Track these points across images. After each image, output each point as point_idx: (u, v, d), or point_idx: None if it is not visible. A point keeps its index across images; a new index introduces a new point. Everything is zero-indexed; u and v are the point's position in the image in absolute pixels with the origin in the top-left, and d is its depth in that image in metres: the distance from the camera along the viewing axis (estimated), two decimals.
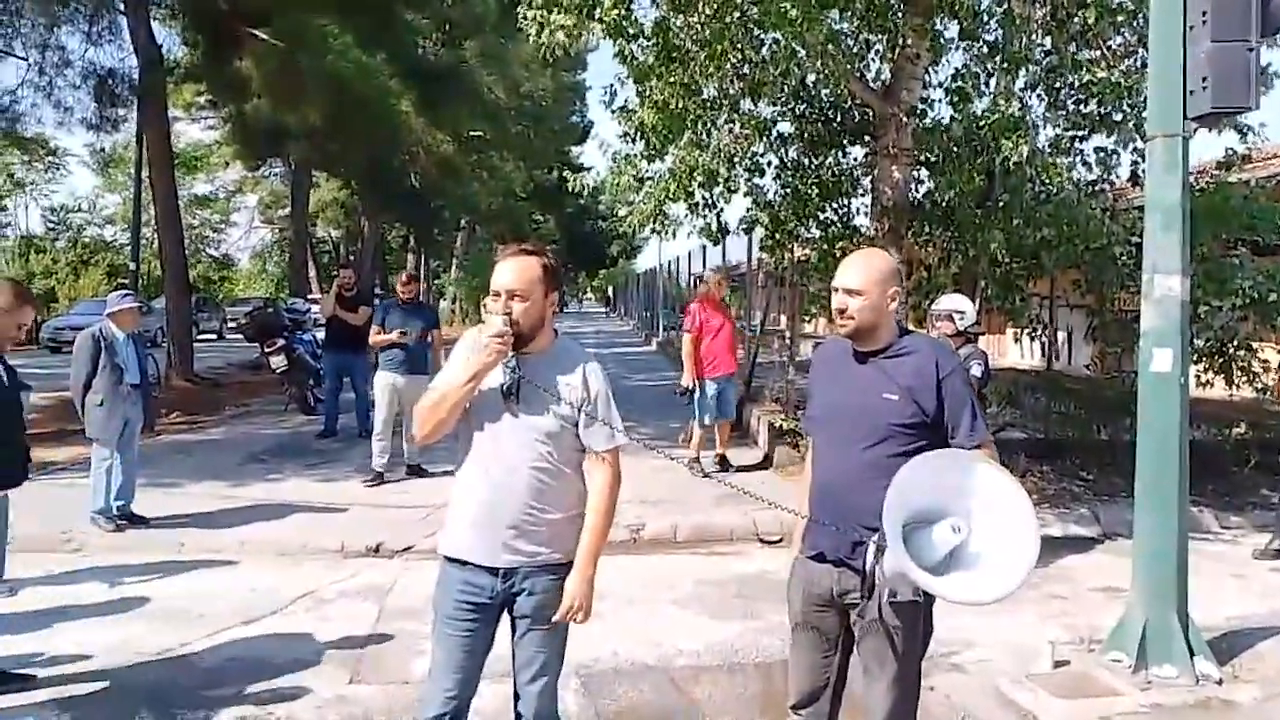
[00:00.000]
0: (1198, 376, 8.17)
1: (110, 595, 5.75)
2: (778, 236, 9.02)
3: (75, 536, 6.81)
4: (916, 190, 8.52)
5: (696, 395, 8.65)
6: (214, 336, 30.85)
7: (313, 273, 37.76)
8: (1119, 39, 7.75)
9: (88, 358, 6.95)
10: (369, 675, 4.60)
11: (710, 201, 8.30)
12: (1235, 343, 8.18)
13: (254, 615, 5.40)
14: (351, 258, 36.20)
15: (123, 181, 39.14)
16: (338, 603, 5.66)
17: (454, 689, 2.82)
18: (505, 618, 2.91)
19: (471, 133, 25.98)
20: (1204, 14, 4.26)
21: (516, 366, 2.76)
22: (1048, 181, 7.84)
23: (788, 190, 8.88)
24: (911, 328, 3.46)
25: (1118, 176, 8.54)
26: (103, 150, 32.36)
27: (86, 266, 38.65)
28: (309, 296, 29.37)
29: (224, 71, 16.96)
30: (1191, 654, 4.40)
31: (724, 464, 8.80)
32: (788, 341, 10.69)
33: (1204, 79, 4.28)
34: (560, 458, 2.81)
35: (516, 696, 2.93)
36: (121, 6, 15.43)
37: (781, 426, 9.18)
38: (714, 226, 8.53)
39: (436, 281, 44.54)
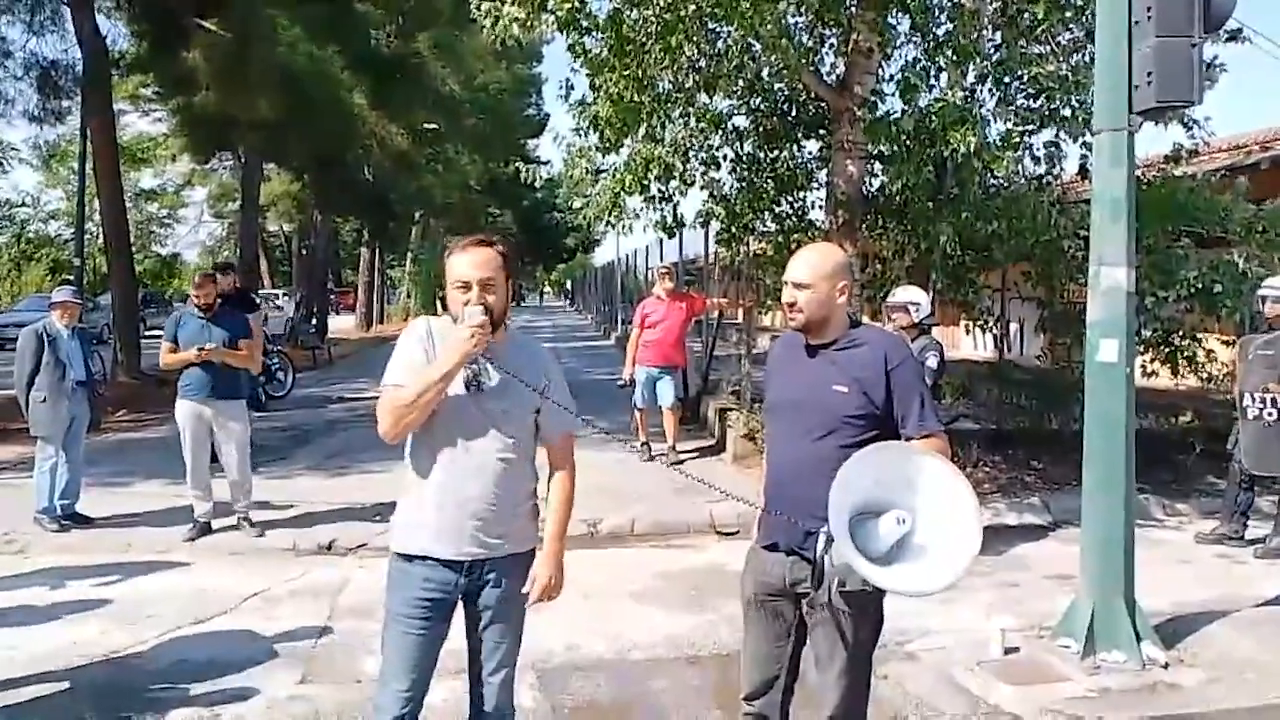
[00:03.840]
0: (1144, 366, 8.31)
1: (55, 597, 5.62)
2: (733, 230, 9.04)
3: (19, 537, 6.68)
4: (870, 184, 8.59)
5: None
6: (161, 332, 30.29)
7: (265, 267, 37.18)
8: (1067, 34, 7.83)
9: (31, 354, 6.82)
10: (320, 674, 4.54)
11: (666, 195, 8.30)
12: (1181, 333, 8.34)
13: (204, 615, 5.32)
14: (304, 252, 35.67)
15: (65, 176, 38.18)
16: (288, 602, 5.59)
17: (410, 689, 2.78)
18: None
19: (426, 125, 25.74)
20: (1149, 10, 4.33)
21: (478, 356, 2.73)
22: (997, 175, 7.93)
23: (743, 184, 8.89)
24: (866, 320, 3.49)
25: (1063, 170, 8.66)
26: (45, 144, 31.54)
27: (30, 262, 37.78)
28: (260, 291, 28.93)
29: (171, 63, 16.62)
30: (1138, 639, 4.48)
31: (675, 457, 8.88)
32: (745, 334, 10.71)
33: (1149, 74, 4.34)
34: (520, 446, 2.82)
35: (474, 691, 2.90)
36: None
37: (734, 415, 9.21)
38: (669, 220, 8.52)
39: (391, 274, 44.15)
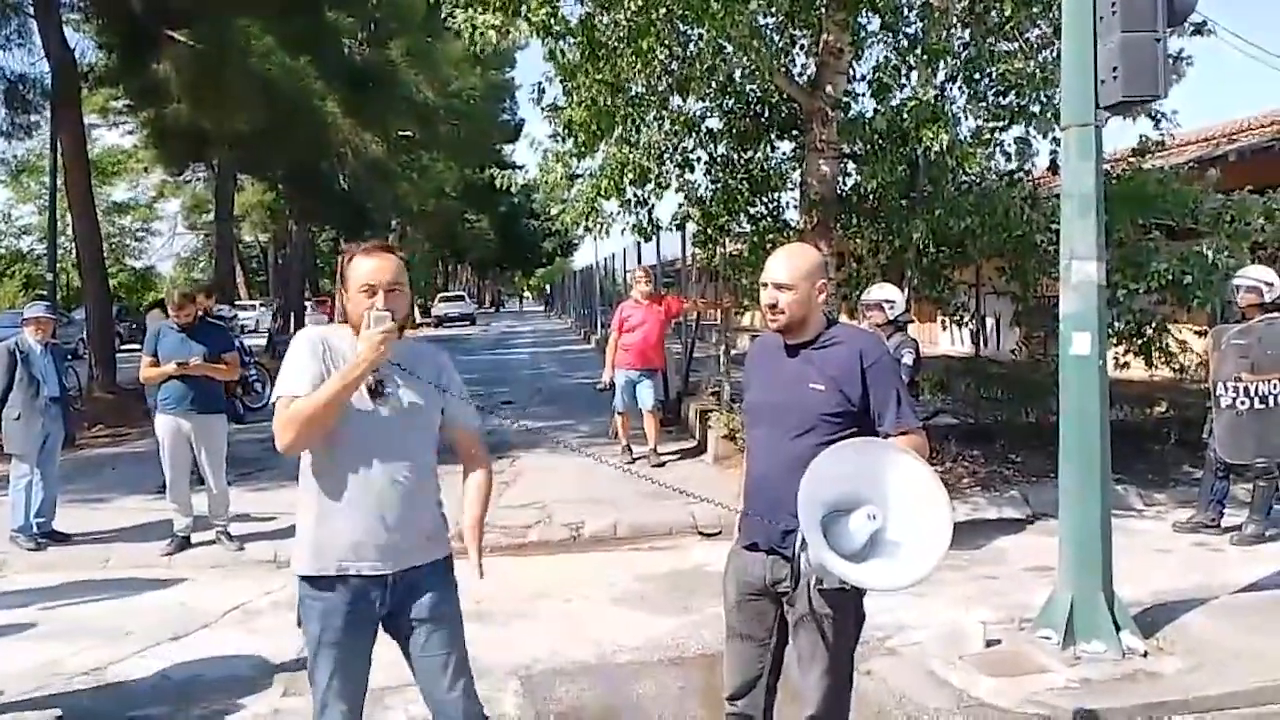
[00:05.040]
0: (1117, 358, 8.39)
1: (32, 615, 5.57)
2: (709, 231, 9.08)
3: None
4: (844, 183, 8.63)
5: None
6: (137, 346, 30.08)
7: (240, 279, 37.03)
8: (1036, 31, 7.90)
9: (3, 371, 6.77)
10: (303, 688, 4.45)
11: (642, 198, 8.31)
12: (1153, 324, 8.41)
13: (184, 630, 5.28)
14: (280, 261, 35.52)
15: (36, 190, 37.85)
16: (270, 614, 5.56)
17: (353, 710, 2.72)
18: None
19: (401, 133, 25.68)
20: (1113, 5, 4.37)
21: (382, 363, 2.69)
22: (969, 172, 8.00)
23: (718, 185, 8.92)
24: (844, 319, 3.51)
25: (1034, 165, 8.74)
26: (15, 159, 31.25)
27: (2, 278, 37.42)
28: (236, 303, 28.78)
29: (141, 75, 16.51)
30: (1118, 629, 4.52)
31: (657, 459, 8.89)
32: (724, 335, 10.74)
33: (1114, 69, 4.38)
34: (428, 447, 2.80)
35: (439, 712, 2.81)
36: (31, 10, 14.93)
37: (714, 416, 9.23)
38: (645, 223, 8.54)
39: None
